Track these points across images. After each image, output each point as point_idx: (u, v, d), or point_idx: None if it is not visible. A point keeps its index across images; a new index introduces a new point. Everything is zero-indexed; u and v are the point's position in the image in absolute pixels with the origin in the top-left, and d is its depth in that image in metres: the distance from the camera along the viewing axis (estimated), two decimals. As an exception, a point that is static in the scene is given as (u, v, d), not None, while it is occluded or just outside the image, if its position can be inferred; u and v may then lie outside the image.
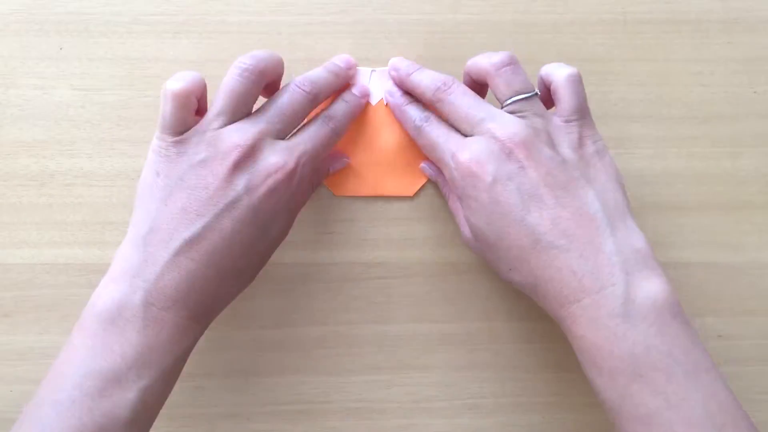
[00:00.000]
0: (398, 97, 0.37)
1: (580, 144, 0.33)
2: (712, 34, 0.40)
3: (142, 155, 0.39)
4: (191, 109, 0.33)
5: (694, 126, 0.40)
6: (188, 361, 0.39)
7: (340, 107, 0.37)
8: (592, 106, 0.39)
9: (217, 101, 0.33)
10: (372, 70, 0.39)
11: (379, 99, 0.39)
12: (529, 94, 0.33)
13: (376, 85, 0.39)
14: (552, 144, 0.32)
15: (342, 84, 0.37)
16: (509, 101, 0.33)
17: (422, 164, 0.39)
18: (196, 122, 0.33)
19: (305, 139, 0.34)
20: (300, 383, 0.39)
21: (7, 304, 0.39)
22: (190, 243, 0.31)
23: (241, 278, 0.34)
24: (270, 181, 0.32)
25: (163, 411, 0.39)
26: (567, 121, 0.33)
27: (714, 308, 0.40)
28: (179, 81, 0.32)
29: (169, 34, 0.39)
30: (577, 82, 0.33)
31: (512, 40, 0.39)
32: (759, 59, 0.40)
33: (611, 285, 0.30)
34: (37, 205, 0.39)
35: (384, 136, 0.39)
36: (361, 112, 0.38)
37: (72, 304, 0.39)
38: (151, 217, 0.31)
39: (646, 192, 0.40)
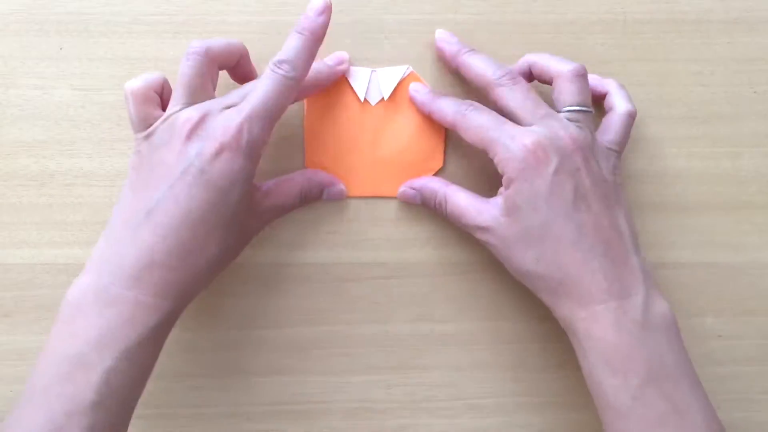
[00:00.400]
0: (427, 93, 0.38)
1: (613, 172, 0.35)
2: (712, 34, 0.40)
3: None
4: (152, 103, 0.34)
5: (694, 126, 0.40)
6: (188, 361, 0.39)
7: (292, 44, 0.34)
8: (593, 105, 0.40)
9: (174, 91, 0.34)
10: (372, 70, 0.39)
11: (379, 99, 0.39)
12: (589, 110, 0.35)
13: (375, 86, 0.39)
14: (597, 160, 0.34)
15: (325, 80, 0.37)
16: (573, 108, 0.34)
17: (401, 189, 0.39)
18: (161, 115, 0.34)
19: (253, 96, 0.33)
20: (300, 383, 0.40)
21: (7, 304, 0.39)
22: (148, 217, 0.31)
23: (207, 250, 0.32)
24: (217, 144, 0.32)
25: (163, 411, 0.39)
26: (609, 149, 0.35)
27: (714, 308, 0.40)
28: (136, 80, 0.34)
29: (169, 34, 0.39)
30: (633, 121, 0.37)
31: (512, 40, 0.39)
32: (759, 59, 0.40)
33: (635, 294, 0.32)
34: (37, 205, 0.39)
35: (384, 137, 0.39)
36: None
37: (72, 304, 0.39)
38: (121, 207, 0.33)
39: (646, 192, 0.40)
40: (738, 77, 0.40)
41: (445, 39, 0.38)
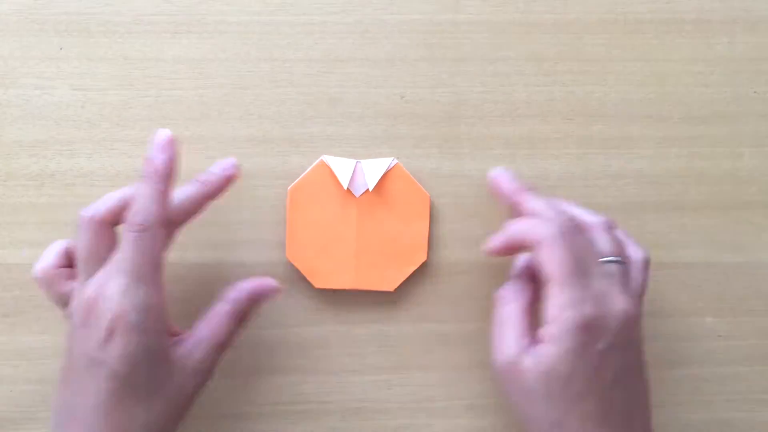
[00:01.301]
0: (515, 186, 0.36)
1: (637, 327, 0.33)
2: (713, 34, 0.40)
3: (142, 155, 0.39)
4: (60, 281, 0.33)
5: (694, 126, 0.40)
6: (188, 361, 0.39)
7: (139, 194, 0.32)
8: (593, 105, 0.40)
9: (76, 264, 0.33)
10: (357, 162, 0.39)
11: (363, 190, 0.38)
12: (623, 261, 0.33)
13: (360, 177, 0.38)
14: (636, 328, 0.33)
15: (213, 192, 0.35)
16: (610, 259, 0.33)
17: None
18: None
19: (120, 265, 0.31)
20: (300, 383, 0.40)
21: (7, 304, 0.39)
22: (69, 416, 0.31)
23: None
24: (102, 335, 0.30)
25: (163, 411, 0.39)
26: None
27: (714, 308, 0.40)
28: (37, 264, 0.34)
29: (169, 34, 0.39)
30: (649, 266, 0.35)
31: (512, 40, 0.39)
32: (759, 59, 0.40)
33: None
34: (37, 205, 0.39)
35: (367, 229, 0.39)
36: (344, 203, 0.38)
37: (72, 304, 0.39)
38: (54, 400, 0.33)
39: (646, 192, 0.40)
40: (738, 77, 0.40)
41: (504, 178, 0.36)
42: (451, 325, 0.40)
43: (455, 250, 0.40)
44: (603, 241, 0.33)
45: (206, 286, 0.39)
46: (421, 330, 0.40)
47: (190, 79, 0.39)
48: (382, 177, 0.38)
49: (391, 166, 0.39)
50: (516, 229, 0.33)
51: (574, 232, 0.32)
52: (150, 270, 0.31)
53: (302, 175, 0.39)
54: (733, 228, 0.40)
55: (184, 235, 0.39)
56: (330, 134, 0.39)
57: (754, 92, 0.40)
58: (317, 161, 0.39)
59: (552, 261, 0.31)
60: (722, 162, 0.40)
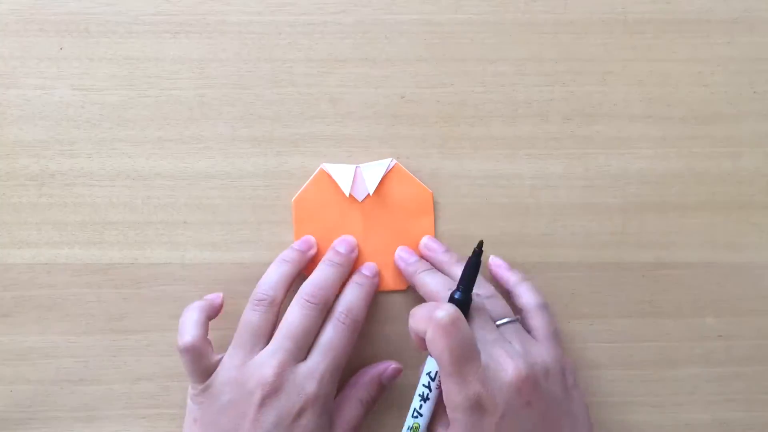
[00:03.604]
0: (412, 264, 0.38)
1: (563, 376, 0.34)
2: (712, 34, 0.40)
3: (142, 155, 0.39)
4: (208, 352, 0.34)
5: (694, 126, 0.40)
6: (188, 361, 0.39)
7: (353, 293, 0.37)
8: (593, 105, 0.40)
9: (235, 338, 0.35)
10: (356, 167, 0.39)
11: (365, 194, 0.39)
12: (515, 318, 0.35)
13: (360, 182, 0.38)
14: (547, 375, 0.33)
15: (348, 271, 0.38)
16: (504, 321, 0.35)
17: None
18: (217, 361, 0.35)
19: (323, 355, 0.34)
20: (300, 383, 0.39)
21: (7, 304, 0.39)
22: None
23: None
24: (295, 411, 0.33)
25: (163, 411, 0.39)
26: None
27: (714, 308, 0.40)
28: (185, 335, 0.34)
29: (169, 34, 0.39)
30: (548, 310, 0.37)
31: (512, 40, 0.39)
32: (759, 59, 0.40)
33: None
34: (37, 205, 0.39)
35: (373, 232, 0.39)
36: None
37: (72, 304, 0.39)
38: None
39: (646, 192, 0.40)
40: (738, 77, 0.40)
41: (403, 258, 0.38)
42: (451, 325, 0.40)
43: (455, 250, 0.40)
44: (494, 306, 0.35)
45: (206, 286, 0.39)
46: (421, 330, 0.40)
47: (190, 79, 0.39)
48: (383, 178, 0.38)
49: (391, 166, 0.39)
50: (411, 323, 0.33)
51: (455, 321, 0.31)
52: (345, 358, 0.35)
53: (304, 186, 0.39)
54: (733, 228, 0.40)
55: (184, 236, 0.39)
56: (330, 134, 0.39)
57: (754, 92, 0.40)
58: (317, 170, 0.39)
59: (434, 352, 0.31)
60: (722, 162, 0.40)
